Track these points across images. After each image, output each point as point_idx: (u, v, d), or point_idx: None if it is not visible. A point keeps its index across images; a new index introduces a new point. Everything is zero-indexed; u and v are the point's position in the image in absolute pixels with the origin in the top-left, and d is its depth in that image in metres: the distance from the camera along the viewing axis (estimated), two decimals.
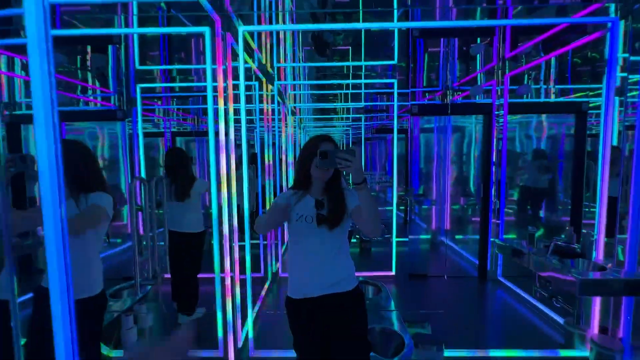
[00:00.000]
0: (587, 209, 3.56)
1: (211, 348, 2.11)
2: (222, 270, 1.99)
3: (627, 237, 1.88)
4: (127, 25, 2.86)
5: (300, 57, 4.97)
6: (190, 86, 4.48)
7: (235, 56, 2.05)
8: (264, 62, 3.04)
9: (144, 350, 0.30)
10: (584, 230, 2.15)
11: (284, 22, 3.58)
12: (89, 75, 4.04)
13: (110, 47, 3.49)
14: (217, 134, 1.90)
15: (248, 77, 2.77)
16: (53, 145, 0.66)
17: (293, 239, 1.39)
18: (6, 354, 1.22)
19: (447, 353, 2.07)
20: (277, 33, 3.47)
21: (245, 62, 2.14)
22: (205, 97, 1.87)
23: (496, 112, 3.41)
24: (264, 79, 3.04)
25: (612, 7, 2.28)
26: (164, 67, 3.91)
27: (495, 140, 3.43)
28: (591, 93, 4.20)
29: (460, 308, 2.99)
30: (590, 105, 3.53)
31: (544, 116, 5.94)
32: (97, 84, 4.10)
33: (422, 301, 3.13)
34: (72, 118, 3.83)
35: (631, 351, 1.90)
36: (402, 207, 6.21)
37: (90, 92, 4.26)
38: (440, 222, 5.18)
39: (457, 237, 4.99)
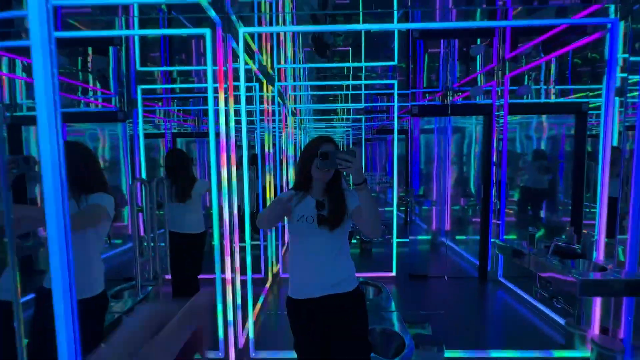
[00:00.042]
0: (587, 210, 3.56)
1: (212, 349, 2.11)
2: (223, 271, 2.00)
3: (628, 238, 1.88)
4: (128, 27, 2.87)
5: (301, 58, 4.98)
6: (191, 87, 4.49)
7: (235, 57, 2.06)
8: (264, 63, 3.05)
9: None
10: (584, 231, 2.15)
11: (284, 24, 3.59)
12: (90, 76, 4.05)
13: (111, 49, 3.50)
14: (217, 135, 1.91)
15: (249, 78, 2.78)
16: (56, 146, 0.67)
17: (294, 240, 1.40)
18: (8, 354, 1.23)
19: (448, 354, 2.07)
20: (278, 34, 3.48)
21: (246, 63, 2.15)
22: (205, 98, 1.88)
23: (496, 113, 3.42)
24: (264, 80, 3.05)
25: (612, 7, 2.29)
26: (164, 68, 3.92)
27: (495, 140, 3.44)
28: (591, 94, 4.21)
29: (461, 309, 2.99)
30: (591, 105, 3.53)
31: (544, 117, 5.94)
32: (98, 85, 4.11)
33: (422, 302, 3.13)
34: (73, 119, 3.84)
35: (632, 351, 1.90)
36: (402, 208, 6.21)
37: (91, 93, 4.28)
38: (440, 223, 5.18)
39: (457, 237, 4.99)
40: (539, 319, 2.72)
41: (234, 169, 1.97)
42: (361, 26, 2.15)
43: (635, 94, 2.19)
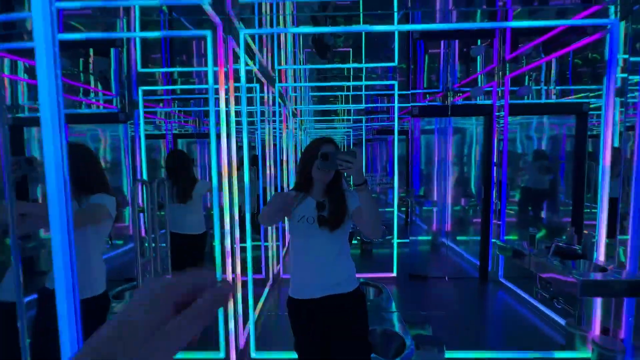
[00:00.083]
0: (588, 210, 3.56)
1: (213, 349, 2.12)
2: (224, 271, 2.00)
3: (629, 238, 1.88)
4: (129, 29, 2.88)
5: (301, 60, 4.99)
6: (192, 88, 4.50)
7: (236, 59, 2.07)
8: (265, 64, 3.06)
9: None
10: (585, 231, 2.15)
11: (284, 26, 3.60)
12: (91, 77, 4.06)
13: (112, 50, 3.51)
14: (218, 136, 1.91)
15: (249, 80, 2.79)
16: (60, 147, 0.67)
17: (294, 240, 1.40)
18: (11, 354, 1.23)
19: (448, 354, 2.07)
20: (278, 36, 3.49)
21: (247, 64, 2.15)
22: (206, 99, 1.89)
23: (497, 114, 3.42)
24: (265, 81, 3.06)
25: (612, 8, 2.29)
26: (165, 69, 3.93)
27: (495, 141, 3.44)
28: (592, 94, 4.21)
29: (461, 309, 2.99)
30: (592, 106, 3.53)
31: (545, 117, 5.94)
32: (100, 86, 4.12)
33: (423, 302, 3.13)
34: (75, 121, 3.85)
35: (633, 352, 1.90)
36: (403, 209, 6.21)
37: (92, 94, 4.29)
38: (441, 224, 5.18)
39: (458, 238, 4.99)
40: (539, 319, 2.71)
41: (234, 169, 1.98)
42: (361, 27, 2.16)
43: (635, 94, 2.19)
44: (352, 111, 6.47)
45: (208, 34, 1.80)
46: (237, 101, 2.08)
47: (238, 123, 2.09)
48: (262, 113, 3.26)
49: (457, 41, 4.43)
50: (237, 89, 2.06)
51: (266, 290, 3.27)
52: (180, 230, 2.60)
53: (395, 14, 3.09)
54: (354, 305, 1.35)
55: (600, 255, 2.05)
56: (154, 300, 0.27)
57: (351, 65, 5.31)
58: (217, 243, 1.95)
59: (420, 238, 5.19)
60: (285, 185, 3.97)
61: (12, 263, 0.77)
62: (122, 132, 4.28)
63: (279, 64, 3.52)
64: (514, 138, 6.60)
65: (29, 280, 2.48)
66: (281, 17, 3.52)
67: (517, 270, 3.28)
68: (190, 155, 2.84)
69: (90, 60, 3.84)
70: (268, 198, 3.46)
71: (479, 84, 4.18)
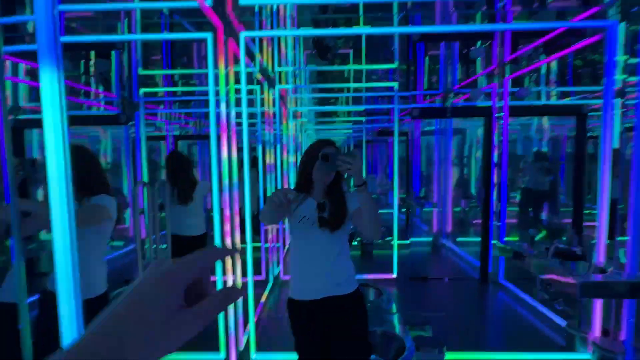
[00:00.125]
0: (588, 211, 3.55)
1: (213, 350, 2.12)
2: (224, 272, 2.01)
3: (628, 240, 1.89)
4: (130, 31, 2.90)
5: (302, 61, 5.01)
6: (192, 90, 4.52)
7: (237, 61, 2.08)
8: (265, 66, 3.07)
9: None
10: (585, 233, 2.15)
11: (285, 28, 3.61)
12: (92, 79, 4.08)
13: (113, 52, 3.53)
14: (218, 137, 1.92)
15: (250, 81, 2.80)
16: (62, 149, 0.68)
17: (295, 241, 1.41)
18: (13, 355, 1.24)
19: (448, 356, 2.06)
20: (279, 38, 3.50)
21: (247, 66, 2.16)
22: (207, 101, 1.90)
23: (496, 115, 3.43)
24: (265, 83, 3.07)
25: (611, 11, 2.30)
26: (166, 72, 3.95)
27: (495, 142, 3.44)
28: (591, 96, 4.22)
29: (462, 310, 2.99)
30: (592, 107, 3.53)
31: (545, 118, 5.94)
32: (101, 88, 4.14)
33: (423, 304, 3.13)
34: (76, 122, 3.87)
35: (633, 353, 1.90)
36: (403, 210, 6.21)
37: (92, 95, 4.31)
38: (441, 225, 5.18)
39: (458, 239, 4.99)
40: (540, 320, 2.71)
41: (235, 171, 1.98)
42: (362, 30, 2.17)
43: (635, 95, 2.19)
44: (352, 113, 6.48)
45: (209, 36, 1.82)
46: (238, 103, 2.09)
47: (238, 124, 2.10)
48: (263, 114, 3.28)
49: (457, 43, 4.44)
50: (237, 91, 2.07)
51: (266, 291, 3.27)
52: (181, 231, 2.60)
53: (395, 16, 3.10)
54: (353, 306, 1.36)
55: (600, 257, 2.05)
56: (165, 282, 0.28)
57: (352, 67, 5.32)
58: (217, 244, 1.96)
59: (420, 239, 5.19)
60: (285, 186, 3.97)
61: (15, 264, 0.78)
62: (123, 133, 4.30)
63: (279, 65, 3.53)
64: (514, 139, 6.59)
65: (30, 281, 2.48)
66: (281, 20, 3.53)
67: (518, 271, 3.28)
68: (191, 157, 2.85)
69: (91, 62, 3.86)
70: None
71: (479, 86, 4.19)
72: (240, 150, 2.16)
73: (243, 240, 2.39)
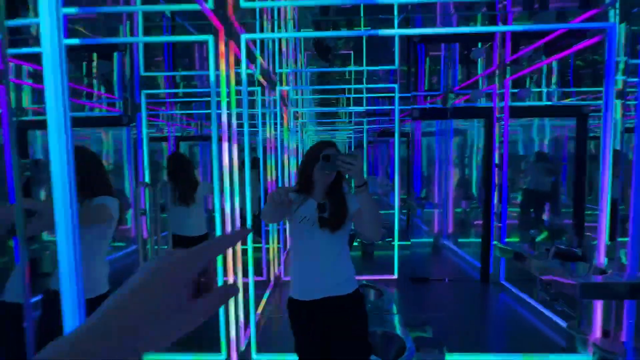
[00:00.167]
0: (590, 212, 3.55)
1: (214, 351, 2.13)
2: (225, 273, 2.02)
3: (629, 240, 1.88)
4: (132, 33, 2.92)
5: (302, 62, 5.02)
6: (194, 92, 4.54)
7: (237, 62, 2.10)
8: (266, 67, 3.09)
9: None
10: (588, 234, 2.15)
11: (285, 30, 3.63)
12: (94, 81, 4.11)
13: (115, 54, 3.55)
14: (220, 138, 1.93)
15: (251, 83, 2.82)
16: (66, 150, 0.69)
17: (295, 242, 1.42)
18: (17, 354, 1.25)
19: (449, 357, 2.07)
20: (280, 39, 3.52)
21: (248, 68, 2.18)
22: (208, 102, 1.91)
23: (497, 116, 3.43)
24: (266, 84, 3.08)
25: (611, 12, 2.30)
26: (168, 73, 3.97)
27: (496, 143, 3.44)
28: (592, 96, 4.21)
29: (462, 311, 2.99)
30: (593, 108, 3.53)
31: (546, 119, 5.93)
32: (103, 90, 4.17)
33: (424, 304, 3.13)
34: (78, 124, 3.90)
35: (634, 354, 1.89)
36: (404, 211, 6.22)
37: (94, 96, 4.33)
38: (442, 226, 5.17)
39: (459, 240, 4.99)
40: (540, 322, 2.71)
41: (236, 172, 1.99)
42: (362, 32, 2.18)
43: (635, 96, 2.19)
44: (353, 114, 6.50)
45: (210, 38, 1.83)
46: (239, 104, 2.11)
47: (239, 126, 2.11)
48: (264, 116, 3.29)
49: (457, 44, 4.44)
50: (238, 92, 2.08)
51: (267, 292, 3.28)
52: (182, 232, 2.62)
53: (396, 19, 3.11)
54: (353, 306, 1.36)
55: (601, 258, 2.05)
56: (176, 273, 0.29)
57: (352, 68, 5.33)
58: None
59: (421, 240, 5.19)
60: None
61: (18, 264, 0.79)
62: (125, 135, 4.32)
63: (280, 67, 3.55)
64: (515, 140, 6.59)
65: (33, 281, 2.50)
66: (282, 22, 3.55)
67: (519, 272, 3.28)
68: (193, 158, 2.87)
69: (94, 64, 3.89)
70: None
71: (480, 87, 4.19)
72: (241, 151, 2.18)
73: (244, 241, 2.40)
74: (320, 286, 1.35)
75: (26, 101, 3.81)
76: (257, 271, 3.34)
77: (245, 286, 2.27)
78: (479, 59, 4.38)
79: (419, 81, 4.81)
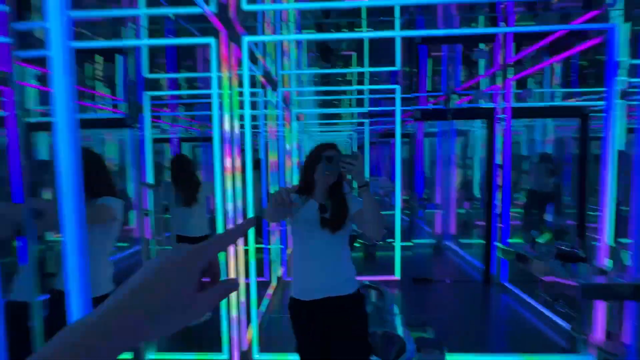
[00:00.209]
0: (593, 213, 3.53)
1: (217, 351, 2.14)
2: (227, 274, 2.03)
3: (632, 242, 1.88)
4: (136, 36, 2.95)
5: (305, 64, 5.04)
6: (197, 93, 4.57)
7: (240, 64, 2.11)
8: (268, 69, 3.11)
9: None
10: (591, 235, 2.14)
11: (288, 32, 3.65)
12: (98, 83, 4.15)
13: (119, 57, 3.59)
14: (222, 139, 1.95)
15: (253, 84, 2.84)
16: (73, 152, 0.71)
17: (296, 242, 1.43)
18: (22, 353, 1.27)
19: (450, 357, 2.07)
20: (282, 41, 3.54)
21: (250, 70, 2.20)
22: (211, 104, 1.94)
23: (499, 116, 3.42)
24: (268, 86, 3.11)
25: (613, 12, 2.30)
26: (171, 75, 4.00)
27: (498, 144, 3.44)
28: (596, 96, 4.20)
29: (464, 312, 2.98)
30: (596, 108, 3.51)
31: (549, 119, 5.91)
32: (107, 91, 4.21)
33: (426, 305, 3.13)
34: (83, 125, 3.93)
35: (637, 356, 1.89)
36: (407, 212, 6.22)
37: (96, 97, 4.38)
38: (444, 227, 5.17)
39: (461, 241, 4.98)
40: (542, 323, 2.70)
41: (237, 172, 2.01)
42: (364, 34, 2.19)
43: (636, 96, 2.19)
44: (355, 114, 6.51)
45: (212, 41, 1.85)
46: (241, 105, 2.12)
47: (241, 127, 2.13)
48: (266, 117, 3.31)
49: (459, 45, 4.44)
50: (240, 94, 2.10)
51: (269, 292, 3.29)
52: (185, 232, 2.64)
53: (397, 20, 3.12)
54: (353, 306, 1.37)
55: (602, 259, 2.04)
56: (186, 267, 0.31)
57: (354, 69, 5.34)
58: None
59: (423, 241, 5.18)
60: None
61: (25, 264, 0.81)
62: (128, 136, 4.36)
63: (282, 68, 3.57)
64: (518, 140, 6.55)
65: (39, 281, 2.53)
66: (284, 24, 3.57)
67: (521, 273, 3.27)
68: (195, 159, 2.89)
69: (99, 66, 3.93)
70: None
71: (482, 87, 4.19)
72: (243, 152, 2.19)
73: (246, 242, 2.42)
74: (321, 286, 1.36)
75: (31, 102, 3.86)
76: (259, 272, 3.35)
77: (247, 287, 2.29)
78: (481, 60, 4.38)
79: (421, 82, 4.81)
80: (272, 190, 3.49)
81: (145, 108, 3.31)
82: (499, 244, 3.19)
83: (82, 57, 3.91)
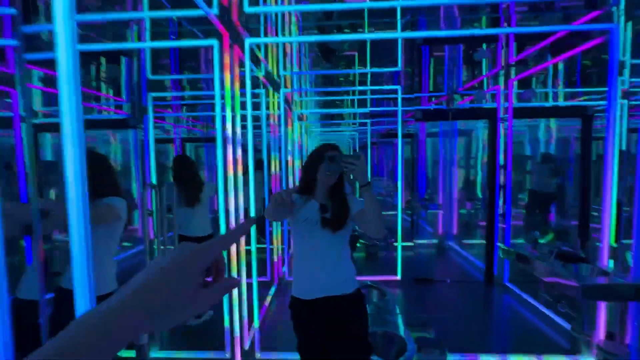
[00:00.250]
0: (596, 213, 3.51)
1: (218, 349, 2.17)
2: (229, 273, 2.05)
3: (633, 242, 1.88)
4: (140, 38, 2.98)
5: (307, 64, 5.06)
6: (200, 94, 4.60)
7: (242, 66, 2.13)
8: (270, 70, 3.13)
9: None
10: (594, 235, 2.14)
11: (290, 34, 3.67)
12: (102, 84, 4.19)
13: (123, 58, 3.62)
14: (224, 140, 1.97)
15: (255, 85, 2.86)
16: (80, 153, 0.73)
17: (297, 241, 1.45)
18: (29, 350, 1.29)
19: (451, 357, 2.07)
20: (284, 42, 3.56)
21: (252, 71, 2.22)
22: (213, 104, 1.96)
23: (501, 117, 3.42)
24: (270, 87, 3.12)
25: (615, 13, 2.30)
26: (174, 77, 4.03)
27: (500, 144, 3.43)
28: (599, 96, 4.18)
29: (466, 312, 2.98)
30: (597, 108, 3.50)
31: (552, 119, 5.89)
32: (111, 93, 4.25)
33: (427, 305, 3.14)
34: (87, 126, 3.97)
35: (639, 358, 1.88)
36: (408, 212, 6.21)
37: (103, 99, 4.42)
38: (446, 227, 5.16)
39: (464, 241, 4.97)
40: (544, 323, 2.70)
41: (240, 173, 2.03)
42: (365, 35, 2.20)
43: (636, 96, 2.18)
44: (357, 115, 6.52)
45: (215, 43, 1.87)
46: (243, 106, 2.14)
47: (243, 127, 2.15)
48: (268, 117, 3.33)
49: (461, 45, 4.44)
50: (242, 95, 2.12)
51: (271, 292, 3.31)
52: (188, 232, 2.66)
53: (399, 22, 3.13)
54: (353, 306, 1.39)
55: (604, 259, 2.04)
56: (190, 265, 0.33)
57: (356, 70, 5.34)
58: None
59: (425, 241, 5.18)
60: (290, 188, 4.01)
61: (32, 263, 0.83)
62: (132, 136, 4.39)
63: (285, 69, 3.59)
64: (521, 141, 6.53)
65: (45, 280, 2.56)
66: (286, 25, 3.59)
67: (523, 274, 3.26)
68: (198, 159, 2.92)
69: (102, 68, 3.97)
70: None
71: (485, 87, 4.19)
72: (245, 152, 2.21)
73: (248, 242, 2.44)
74: (321, 285, 1.37)
75: (36, 104, 3.90)
76: (261, 271, 3.37)
77: (249, 286, 2.31)
78: (483, 60, 4.37)
79: (423, 82, 4.81)
80: (274, 190, 3.51)
81: (148, 109, 3.34)
82: (501, 245, 3.19)
83: (87, 59, 3.95)
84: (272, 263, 3.56)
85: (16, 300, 1.40)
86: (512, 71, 3.35)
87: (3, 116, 2.65)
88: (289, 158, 4.03)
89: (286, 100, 3.64)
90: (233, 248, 2.04)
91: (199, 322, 2.70)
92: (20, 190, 2.62)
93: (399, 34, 2.93)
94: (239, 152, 2.04)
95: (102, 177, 1.46)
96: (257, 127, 3.83)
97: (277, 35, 3.29)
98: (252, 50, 2.22)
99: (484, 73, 4.39)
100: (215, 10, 1.68)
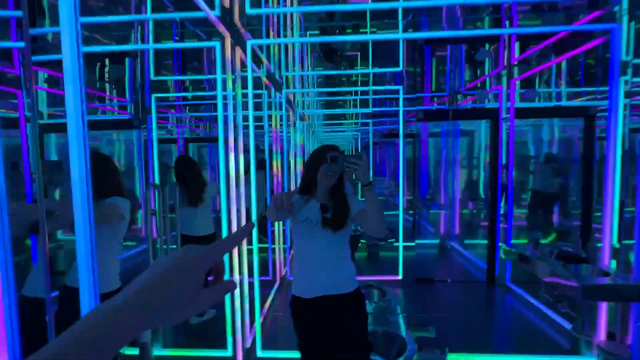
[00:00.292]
0: (599, 214, 3.50)
1: (220, 348, 2.19)
2: (232, 273, 2.07)
3: (635, 242, 1.87)
4: (143, 40, 3.01)
5: (309, 64, 5.07)
6: (202, 95, 4.63)
7: (244, 67, 2.15)
8: (272, 71, 3.15)
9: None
10: (596, 235, 2.13)
11: (292, 35, 3.68)
12: (107, 85, 4.23)
13: (127, 59, 3.66)
14: (227, 140, 1.99)
15: (257, 86, 2.88)
16: (84, 153, 0.75)
17: (298, 241, 1.46)
18: (36, 347, 1.32)
19: (451, 357, 2.08)
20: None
21: (254, 72, 2.23)
22: (216, 105, 1.97)
23: (503, 116, 3.41)
24: (272, 87, 3.14)
25: (617, 13, 2.29)
26: (177, 77, 4.06)
27: (502, 144, 3.43)
28: (602, 96, 4.15)
29: (467, 312, 2.98)
30: (602, 107, 3.48)
31: (555, 119, 5.86)
32: (115, 93, 4.29)
33: (428, 305, 3.14)
34: (91, 127, 4.01)
35: (639, 358, 1.88)
36: (410, 212, 6.21)
37: (106, 100, 4.46)
38: (448, 227, 5.15)
39: (466, 241, 4.96)
40: (545, 323, 2.69)
41: (242, 173, 2.05)
42: (367, 37, 2.21)
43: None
44: (360, 115, 6.52)
45: (217, 44, 1.89)
46: (245, 107, 2.16)
47: (245, 127, 2.16)
48: (270, 118, 3.35)
49: (463, 45, 4.44)
50: (244, 95, 2.14)
51: (273, 291, 3.33)
52: (190, 232, 2.69)
53: (400, 22, 3.14)
54: (353, 305, 1.40)
55: (605, 260, 2.04)
56: (193, 267, 0.34)
57: (358, 70, 5.35)
58: None
59: (427, 242, 5.18)
60: (292, 188, 4.03)
61: (38, 261, 0.84)
62: (135, 137, 4.43)
63: (287, 69, 3.60)
64: (523, 141, 6.50)
65: (50, 278, 2.59)
66: (288, 26, 3.60)
67: (524, 274, 3.26)
68: (201, 159, 2.94)
69: (106, 69, 4.01)
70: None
71: (487, 87, 4.18)
72: (247, 152, 2.23)
73: (250, 241, 2.46)
74: (321, 284, 1.39)
75: (41, 105, 3.95)
76: (263, 271, 3.39)
77: (251, 285, 2.32)
78: (485, 60, 4.36)
79: (425, 82, 4.81)
80: (275, 190, 3.53)
81: (152, 109, 3.37)
82: (502, 245, 3.19)
83: (91, 60, 3.99)
84: (274, 262, 3.58)
85: (22, 298, 1.42)
86: (515, 71, 3.34)
87: (9, 117, 2.69)
88: (291, 158, 4.05)
89: (288, 101, 3.66)
90: (235, 247, 2.05)
91: (200, 320, 2.72)
92: (25, 190, 2.65)
93: (400, 35, 2.94)
94: (241, 152, 2.05)
95: (105, 178, 1.48)
96: (259, 128, 3.85)
97: (279, 36, 3.30)
98: (254, 51, 2.23)
99: (486, 73, 4.38)
100: (217, 12, 1.70)
